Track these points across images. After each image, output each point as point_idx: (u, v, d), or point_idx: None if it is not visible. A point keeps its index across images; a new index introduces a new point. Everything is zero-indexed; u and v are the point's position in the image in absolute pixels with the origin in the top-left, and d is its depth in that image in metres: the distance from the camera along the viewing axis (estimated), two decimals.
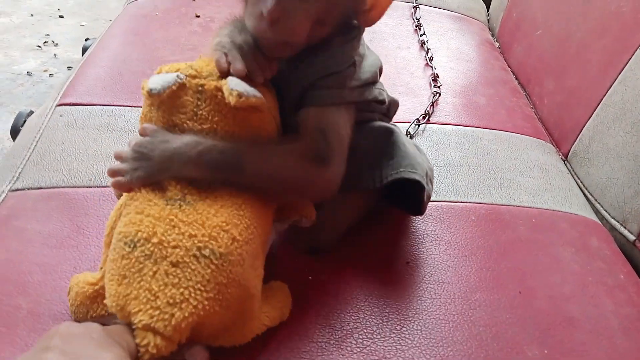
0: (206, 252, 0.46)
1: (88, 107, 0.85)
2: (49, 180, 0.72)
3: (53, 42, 1.89)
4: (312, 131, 0.53)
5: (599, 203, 0.80)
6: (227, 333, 0.49)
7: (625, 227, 0.75)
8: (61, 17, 2.06)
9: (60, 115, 0.84)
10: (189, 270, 0.45)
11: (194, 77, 0.52)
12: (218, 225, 0.47)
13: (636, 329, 0.60)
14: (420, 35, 1.15)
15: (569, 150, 0.89)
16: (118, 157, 0.53)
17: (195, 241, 0.46)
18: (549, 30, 1.03)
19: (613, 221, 0.77)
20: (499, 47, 1.24)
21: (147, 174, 0.50)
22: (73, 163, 0.74)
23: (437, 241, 0.67)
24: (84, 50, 1.22)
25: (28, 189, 0.71)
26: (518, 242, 0.68)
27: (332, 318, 0.56)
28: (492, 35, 1.30)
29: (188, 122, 0.52)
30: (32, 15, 2.05)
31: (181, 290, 0.44)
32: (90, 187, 0.70)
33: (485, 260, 0.65)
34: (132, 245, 0.46)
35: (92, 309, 0.51)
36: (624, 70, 0.78)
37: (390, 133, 0.64)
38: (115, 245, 0.48)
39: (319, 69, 0.55)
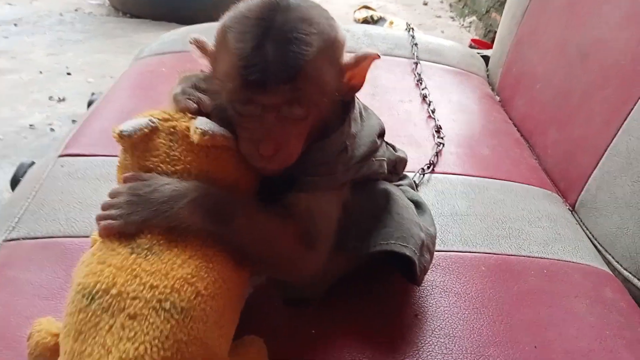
0: (167, 305, 0.43)
1: (90, 157, 0.85)
2: (45, 230, 0.71)
3: (59, 97, 1.93)
4: (303, 215, 0.52)
5: (609, 254, 0.78)
6: None
7: (638, 279, 0.73)
8: (69, 74, 2.11)
9: (62, 166, 0.84)
10: (147, 323, 0.42)
11: (167, 120, 0.52)
12: (182, 277, 0.44)
13: None
14: (422, 89, 1.16)
15: (576, 201, 0.88)
16: (112, 197, 0.50)
17: (157, 292, 0.43)
18: (550, 83, 1.05)
19: (626, 272, 0.75)
20: (499, 101, 1.25)
21: (142, 217, 0.47)
22: (71, 213, 0.73)
23: (447, 292, 0.64)
24: (90, 104, 1.24)
25: (24, 238, 0.70)
26: (530, 294, 0.65)
27: None
28: (492, 90, 1.32)
29: (161, 165, 0.50)
30: (40, 72, 2.10)
31: (136, 345, 0.41)
32: (87, 237, 0.67)
33: (497, 312, 0.62)
34: (90, 298, 0.43)
35: None
36: (627, 119, 0.79)
37: (387, 198, 0.60)
38: (73, 297, 0.45)
39: (309, 160, 0.53)
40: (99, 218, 0.49)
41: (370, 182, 0.60)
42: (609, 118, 0.83)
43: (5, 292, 0.61)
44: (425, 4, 3.66)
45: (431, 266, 0.66)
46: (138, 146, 0.51)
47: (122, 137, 0.50)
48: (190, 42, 0.54)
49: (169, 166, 0.50)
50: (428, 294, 0.64)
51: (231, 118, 0.51)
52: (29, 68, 2.11)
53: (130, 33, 2.55)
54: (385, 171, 0.61)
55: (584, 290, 0.68)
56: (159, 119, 0.52)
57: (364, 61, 0.53)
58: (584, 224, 0.85)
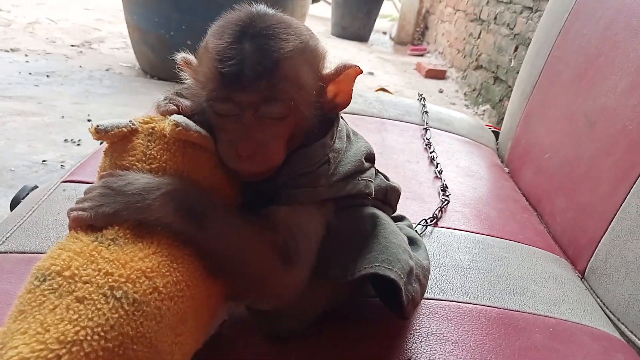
0: (118, 293, 0.40)
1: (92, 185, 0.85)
2: (34, 246, 0.70)
3: (75, 140, 1.97)
4: (281, 226, 0.50)
5: (622, 323, 0.73)
6: None
7: None
8: (89, 120, 2.19)
9: (63, 190, 0.84)
10: (94, 308, 0.39)
11: (147, 122, 0.52)
12: (141, 269, 0.42)
13: None
14: (430, 153, 1.17)
15: (586, 267, 0.84)
16: (87, 193, 0.48)
17: (110, 280, 0.40)
18: (558, 152, 1.04)
19: None
20: (508, 172, 1.25)
21: (112, 209, 0.45)
22: (64, 232, 0.72)
23: (443, 340, 0.59)
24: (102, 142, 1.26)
25: (10, 252, 0.69)
26: (534, 350, 0.60)
27: None
28: (502, 162, 1.32)
29: (137, 163, 0.49)
30: (62, 117, 2.18)
31: (77, 328, 0.37)
32: None
33: None
34: (41, 279, 0.41)
35: None
36: (636, 183, 0.77)
37: (375, 223, 0.56)
38: (26, 281, 0.42)
39: (290, 169, 0.52)
40: (70, 210, 0.47)
41: (358, 207, 0.58)
42: (617, 183, 0.81)
43: None
44: (441, 91, 3.80)
45: (428, 313, 0.63)
46: (116, 148, 0.51)
47: (98, 131, 0.50)
48: (178, 64, 0.54)
49: (145, 164, 0.49)
50: (423, 339, 0.59)
51: (211, 121, 0.50)
52: (52, 113, 2.19)
53: (155, 92, 2.66)
54: (372, 192, 0.58)
55: (593, 353, 0.62)
56: (139, 122, 0.51)
57: (343, 71, 0.53)
58: (594, 292, 0.81)
